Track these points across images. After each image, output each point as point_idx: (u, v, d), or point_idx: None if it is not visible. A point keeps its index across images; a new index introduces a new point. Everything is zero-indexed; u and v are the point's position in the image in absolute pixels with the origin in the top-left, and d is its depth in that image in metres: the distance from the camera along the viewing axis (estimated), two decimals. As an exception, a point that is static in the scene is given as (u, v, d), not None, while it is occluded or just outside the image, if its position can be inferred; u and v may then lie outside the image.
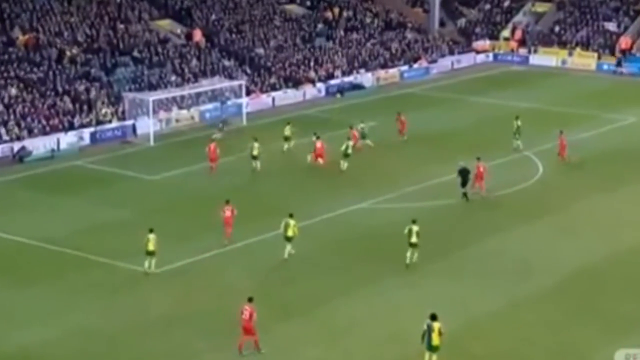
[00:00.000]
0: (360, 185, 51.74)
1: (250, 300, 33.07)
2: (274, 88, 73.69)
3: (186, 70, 71.76)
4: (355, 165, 54.30)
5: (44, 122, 60.71)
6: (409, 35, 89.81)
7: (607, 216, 47.54)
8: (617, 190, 51.40)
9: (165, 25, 78.71)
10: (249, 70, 74.98)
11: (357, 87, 77.67)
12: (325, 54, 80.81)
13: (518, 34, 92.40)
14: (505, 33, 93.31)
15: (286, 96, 73.24)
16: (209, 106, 67.81)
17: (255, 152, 54.34)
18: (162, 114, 65.04)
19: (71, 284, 39.15)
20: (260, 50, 78.36)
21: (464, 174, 49.21)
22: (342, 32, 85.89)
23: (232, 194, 45.08)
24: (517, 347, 33.82)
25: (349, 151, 54.37)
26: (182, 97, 67.26)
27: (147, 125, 62.34)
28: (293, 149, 57.88)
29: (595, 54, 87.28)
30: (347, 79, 78.10)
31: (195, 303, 37.26)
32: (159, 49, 73.16)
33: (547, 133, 59.54)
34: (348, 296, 37.73)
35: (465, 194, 49.16)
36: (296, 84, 75.10)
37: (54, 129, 60.50)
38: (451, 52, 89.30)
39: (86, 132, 61.32)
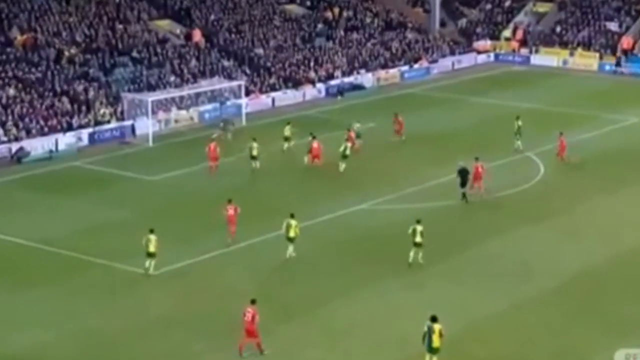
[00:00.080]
0: (360, 186, 51.57)
1: (253, 302, 32.96)
2: (273, 88, 73.47)
3: (185, 70, 71.55)
4: (355, 166, 54.11)
5: (42, 122, 60.49)
6: (410, 35, 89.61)
7: (608, 217, 47.40)
8: (618, 191, 51.26)
9: (165, 25, 78.52)
10: (248, 71, 74.78)
11: (358, 87, 77.43)
12: (325, 54, 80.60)
13: (519, 34, 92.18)
14: (507, 33, 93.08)
15: (286, 97, 73.02)
16: (208, 107, 67.60)
17: (254, 153, 54.24)
18: (161, 115, 64.83)
19: (70, 286, 39.00)
20: (260, 51, 78.14)
21: (463, 174, 49.06)
22: (342, 32, 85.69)
23: (232, 195, 44.83)
24: (518, 350, 33.74)
25: (347, 152, 54.15)
26: (181, 97, 67.06)
27: (146, 126, 62.13)
28: (293, 150, 57.68)
29: (597, 54, 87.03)
30: (347, 80, 77.87)
31: (195, 304, 37.16)
32: (158, 49, 72.94)
33: (549, 134, 59.36)
34: (348, 297, 37.61)
35: (464, 195, 48.99)
36: (296, 84, 74.87)
37: (52, 130, 60.29)
38: (452, 53, 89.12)
39: (85, 133, 61.11)
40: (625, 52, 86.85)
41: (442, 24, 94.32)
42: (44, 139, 59.10)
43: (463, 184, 49.01)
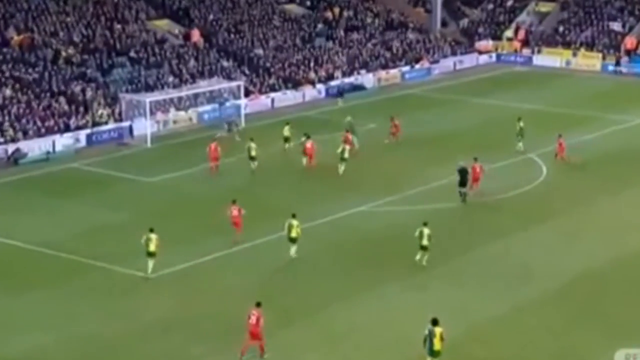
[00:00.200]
0: (360, 188, 51.30)
1: (258, 305, 32.87)
2: (273, 89, 73.14)
3: (184, 70, 71.22)
4: (355, 167, 53.84)
5: (39, 123, 60.14)
6: (411, 35, 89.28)
7: (610, 219, 47.15)
8: (621, 192, 51.00)
9: (163, 25, 78.24)
10: (247, 71, 74.46)
11: (358, 88, 77.07)
12: (326, 55, 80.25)
13: (521, 34, 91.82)
14: (509, 33, 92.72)
15: (285, 97, 72.67)
16: (207, 107, 67.28)
17: (253, 153, 53.98)
18: (160, 116, 64.50)
19: (70, 289, 38.84)
20: (259, 51, 77.82)
21: (463, 173, 48.85)
22: (342, 32, 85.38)
23: (232, 196, 44.59)
24: (519, 352, 33.62)
25: (346, 155, 53.76)
26: (180, 98, 66.70)
27: (144, 127, 61.78)
28: (293, 150, 57.32)
29: (600, 55, 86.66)
30: (347, 80, 77.52)
31: (195, 307, 37.02)
32: (156, 50, 72.64)
33: (551, 135, 58.89)
34: (348, 300, 37.43)
35: (464, 195, 48.72)
36: (296, 85, 74.53)
37: (50, 131, 59.93)
38: (453, 53, 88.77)
39: (82, 134, 60.78)
40: (628, 52, 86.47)
41: (444, 24, 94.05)
42: (41, 140, 58.79)
43: (462, 183, 48.77)
